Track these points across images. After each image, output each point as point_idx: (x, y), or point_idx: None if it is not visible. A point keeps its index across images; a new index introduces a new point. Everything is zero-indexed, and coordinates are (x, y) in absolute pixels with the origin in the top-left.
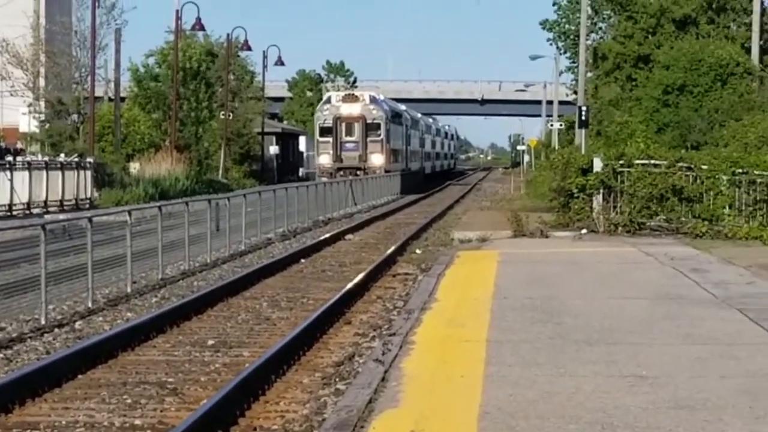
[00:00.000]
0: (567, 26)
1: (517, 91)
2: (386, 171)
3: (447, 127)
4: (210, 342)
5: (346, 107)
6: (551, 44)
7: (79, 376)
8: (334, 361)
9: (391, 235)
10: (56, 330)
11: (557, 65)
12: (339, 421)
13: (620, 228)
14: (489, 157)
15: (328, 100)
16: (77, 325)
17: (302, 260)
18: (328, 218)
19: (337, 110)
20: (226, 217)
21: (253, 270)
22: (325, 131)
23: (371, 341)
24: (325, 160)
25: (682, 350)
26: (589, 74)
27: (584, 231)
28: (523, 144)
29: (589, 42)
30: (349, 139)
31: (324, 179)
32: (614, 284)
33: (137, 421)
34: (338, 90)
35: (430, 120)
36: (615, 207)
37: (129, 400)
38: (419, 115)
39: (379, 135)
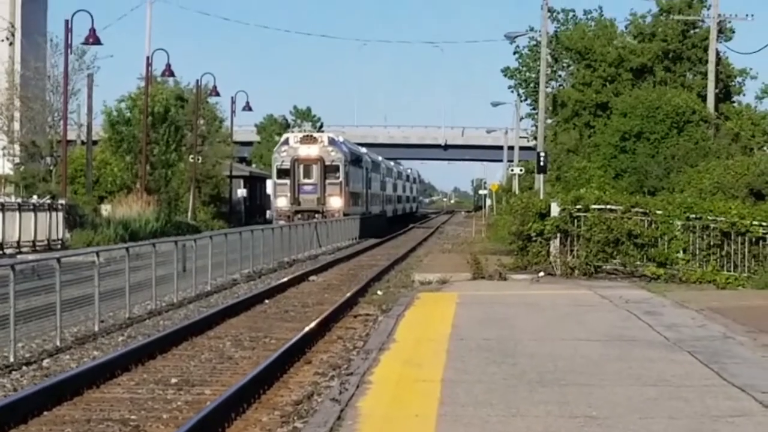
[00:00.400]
0: (528, 74)
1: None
2: (345, 214)
3: (409, 171)
4: (173, 380)
5: (304, 149)
6: (512, 91)
7: (45, 413)
8: (293, 400)
9: (354, 277)
10: (24, 368)
11: (518, 112)
12: None
13: (577, 271)
14: (452, 201)
15: (286, 142)
16: (45, 363)
17: (266, 301)
18: (293, 260)
19: (295, 152)
20: (193, 258)
21: (218, 310)
22: (282, 173)
23: (330, 380)
24: (282, 202)
25: (633, 391)
26: (549, 121)
27: (542, 274)
28: (485, 188)
29: (548, 89)
30: (307, 181)
31: (282, 222)
32: (569, 326)
33: None
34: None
35: (392, 163)
36: (572, 250)
37: None
38: (380, 158)
39: (338, 177)
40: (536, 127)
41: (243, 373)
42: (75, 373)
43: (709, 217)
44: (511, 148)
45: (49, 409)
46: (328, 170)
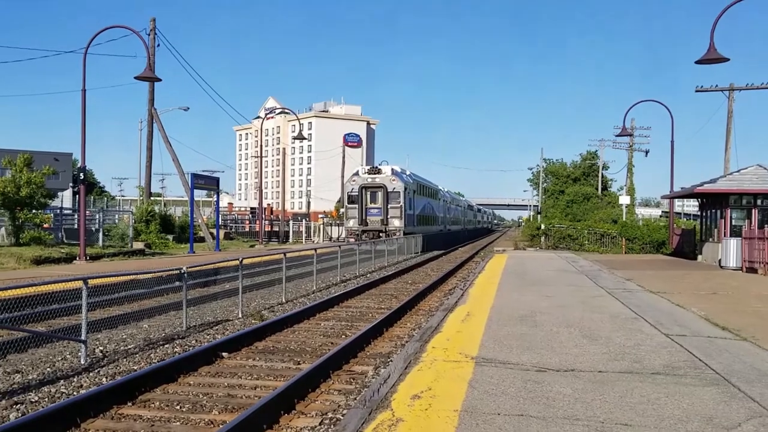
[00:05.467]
0: (536, 181)
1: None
2: (405, 233)
3: (488, 210)
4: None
5: (370, 178)
6: (531, 186)
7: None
8: (448, 289)
9: (473, 249)
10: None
11: (533, 193)
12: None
13: (551, 247)
14: (511, 225)
15: (357, 173)
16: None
17: (409, 273)
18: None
19: (364, 181)
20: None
21: (380, 278)
22: (352, 199)
23: (461, 284)
24: (352, 223)
25: (564, 288)
26: (543, 196)
27: (538, 248)
28: (521, 219)
29: (544, 185)
30: (372, 205)
31: (351, 240)
32: (545, 264)
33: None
34: None
35: (474, 204)
36: (548, 239)
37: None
38: (477, 205)
39: (399, 202)
40: (539, 198)
41: (410, 292)
42: (287, 315)
43: (597, 229)
44: (534, 205)
45: (326, 311)
46: (391, 196)
